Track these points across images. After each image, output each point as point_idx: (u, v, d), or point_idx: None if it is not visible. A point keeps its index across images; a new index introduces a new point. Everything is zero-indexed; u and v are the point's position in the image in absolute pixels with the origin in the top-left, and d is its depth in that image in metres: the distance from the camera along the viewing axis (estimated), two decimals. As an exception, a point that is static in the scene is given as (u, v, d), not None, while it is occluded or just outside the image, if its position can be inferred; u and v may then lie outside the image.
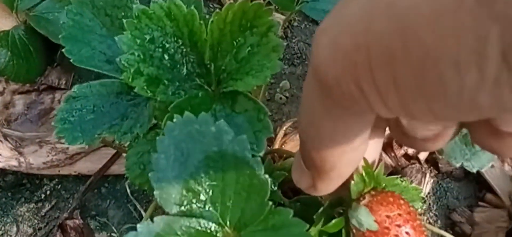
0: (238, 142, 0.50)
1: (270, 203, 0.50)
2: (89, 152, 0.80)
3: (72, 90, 0.60)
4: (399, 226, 0.45)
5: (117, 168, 0.80)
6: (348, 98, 0.29)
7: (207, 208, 0.50)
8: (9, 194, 0.81)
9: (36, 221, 0.79)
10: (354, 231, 0.47)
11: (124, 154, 0.78)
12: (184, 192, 0.50)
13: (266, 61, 0.52)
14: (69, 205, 0.78)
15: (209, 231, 0.50)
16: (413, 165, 0.73)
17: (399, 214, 0.46)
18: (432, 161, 0.75)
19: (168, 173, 0.50)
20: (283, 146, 0.75)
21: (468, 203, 0.74)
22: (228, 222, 0.50)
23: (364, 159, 0.46)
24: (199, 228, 0.50)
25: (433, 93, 0.25)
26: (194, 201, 0.50)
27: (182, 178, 0.50)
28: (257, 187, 0.50)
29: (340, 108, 0.32)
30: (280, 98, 0.80)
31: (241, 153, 0.50)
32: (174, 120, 0.51)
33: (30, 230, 0.78)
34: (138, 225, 0.49)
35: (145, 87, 0.56)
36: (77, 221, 0.75)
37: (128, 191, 0.79)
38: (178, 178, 0.50)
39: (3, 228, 0.79)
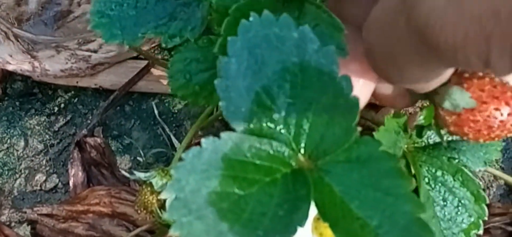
0: (325, 53, 0.43)
1: (359, 129, 0.43)
2: (113, 64, 0.72)
3: (112, -21, 0.52)
4: (497, 98, 0.43)
5: (145, 84, 0.72)
6: (461, 63, 0.27)
7: (278, 129, 0.44)
8: (17, 103, 0.74)
9: (47, 136, 0.72)
10: (446, 117, 0.44)
11: (153, 70, 0.71)
12: (255, 107, 0.43)
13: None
14: (87, 122, 0.71)
15: (282, 156, 0.44)
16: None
17: (494, 87, 0.43)
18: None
19: (239, 81, 0.44)
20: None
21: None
22: (302, 149, 0.44)
23: None
24: (271, 151, 0.44)
25: None
26: (265, 119, 0.44)
27: (254, 90, 0.44)
28: (343, 109, 0.43)
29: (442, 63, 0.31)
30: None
31: (328, 67, 0.43)
32: (250, 18, 0.43)
33: (40, 146, 0.71)
34: (202, 140, 0.42)
35: (196, -15, 0.49)
36: (98, 140, 0.68)
37: (156, 111, 0.72)
38: (249, 90, 0.44)
39: (9, 141, 0.72)
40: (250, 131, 0.43)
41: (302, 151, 0.44)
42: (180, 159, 0.41)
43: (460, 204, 0.53)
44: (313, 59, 0.43)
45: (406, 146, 0.53)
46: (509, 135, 0.44)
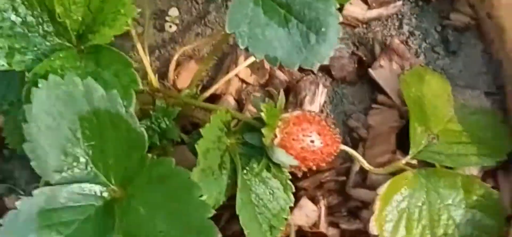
0: (109, 97, 0.51)
1: (150, 155, 0.50)
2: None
3: None
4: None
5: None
6: None
7: (89, 169, 0.51)
8: None
9: None
10: None
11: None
12: (63, 157, 0.51)
13: (119, 7, 0.52)
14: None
15: (94, 193, 0.51)
16: (307, 77, 0.73)
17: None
18: (325, 68, 0.75)
19: (42, 141, 0.50)
20: (177, 77, 0.75)
21: (363, 106, 0.75)
22: (112, 180, 0.51)
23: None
24: (82, 191, 0.51)
25: None
26: (74, 164, 0.51)
27: (58, 143, 0.50)
28: (135, 141, 0.51)
29: None
30: (170, 27, 0.79)
31: (114, 108, 0.51)
32: (39, 85, 0.50)
33: None
34: (17, 203, 0.49)
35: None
36: None
37: None
38: (53, 145, 0.50)
39: None
40: (64, 179, 0.50)
41: (113, 182, 0.51)
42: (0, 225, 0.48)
43: (272, 192, 0.61)
44: (101, 105, 0.50)
45: (229, 141, 0.60)
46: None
